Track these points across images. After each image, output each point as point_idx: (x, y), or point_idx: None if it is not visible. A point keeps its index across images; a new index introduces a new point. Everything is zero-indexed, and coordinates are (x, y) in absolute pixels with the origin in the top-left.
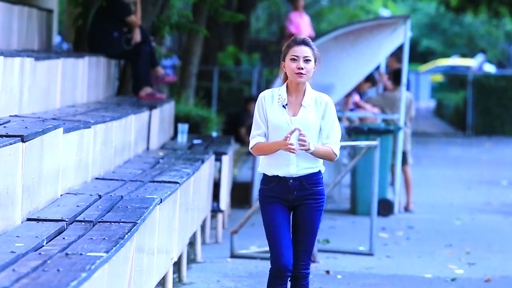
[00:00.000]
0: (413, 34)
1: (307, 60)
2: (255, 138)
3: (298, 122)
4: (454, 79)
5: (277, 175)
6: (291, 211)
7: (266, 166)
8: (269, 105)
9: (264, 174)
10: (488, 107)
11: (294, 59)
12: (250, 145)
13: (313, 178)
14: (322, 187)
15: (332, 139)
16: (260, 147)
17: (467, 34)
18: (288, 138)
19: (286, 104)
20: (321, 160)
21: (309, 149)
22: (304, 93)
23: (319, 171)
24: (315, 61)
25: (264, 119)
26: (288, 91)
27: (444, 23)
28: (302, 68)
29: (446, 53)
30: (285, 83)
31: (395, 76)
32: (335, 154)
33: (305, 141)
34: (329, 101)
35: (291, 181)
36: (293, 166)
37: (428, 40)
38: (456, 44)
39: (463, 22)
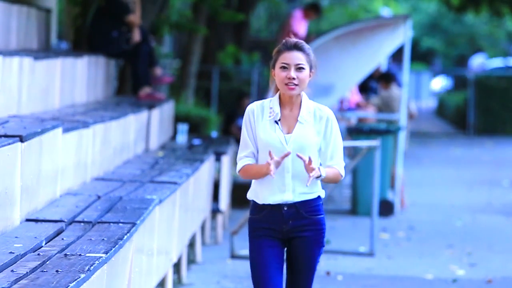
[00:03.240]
0: (414, 33)
1: (299, 68)
2: (242, 160)
3: (294, 141)
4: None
5: (269, 204)
6: (285, 245)
7: (256, 192)
8: (259, 120)
9: (253, 201)
10: (490, 107)
11: (284, 67)
12: (237, 168)
13: (312, 205)
14: (322, 216)
15: (337, 159)
16: (247, 170)
17: (469, 34)
18: (272, 158)
19: (279, 120)
20: (320, 185)
21: (320, 176)
22: (300, 105)
23: (319, 196)
24: (310, 69)
25: (253, 137)
26: (281, 103)
27: (445, 22)
28: (293, 78)
29: (447, 53)
30: (277, 94)
31: (384, 76)
32: (341, 175)
33: (314, 169)
34: (330, 115)
35: (285, 209)
36: (289, 193)
37: (429, 40)
38: (457, 44)
39: (465, 22)
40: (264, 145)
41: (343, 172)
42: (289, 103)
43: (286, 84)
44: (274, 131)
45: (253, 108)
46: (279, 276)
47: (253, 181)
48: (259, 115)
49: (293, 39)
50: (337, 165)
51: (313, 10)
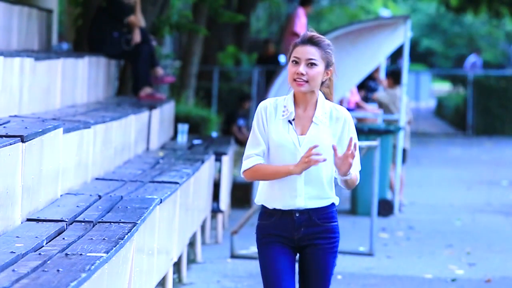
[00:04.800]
0: (413, 34)
1: (311, 64)
2: (252, 157)
3: (308, 143)
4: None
5: (280, 209)
6: (296, 254)
7: (266, 196)
8: (272, 119)
9: (262, 206)
10: (489, 107)
11: (295, 62)
12: (244, 167)
13: (325, 212)
14: (336, 223)
15: (353, 165)
16: (261, 170)
17: (468, 34)
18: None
19: (293, 119)
20: (334, 190)
21: (349, 173)
22: (316, 105)
23: (333, 203)
24: (327, 66)
25: (265, 134)
26: (296, 102)
27: (444, 23)
28: (302, 74)
29: (446, 53)
30: (292, 92)
31: (393, 75)
32: (357, 180)
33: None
34: (347, 116)
35: (297, 215)
36: (300, 198)
37: (428, 40)
38: (456, 44)
39: (464, 23)
40: (276, 146)
41: (358, 177)
42: (304, 102)
43: (295, 80)
44: (287, 132)
45: (266, 105)
46: (292, 284)
47: (261, 184)
48: (272, 113)
49: (311, 33)
50: (353, 170)
51: (308, 3)
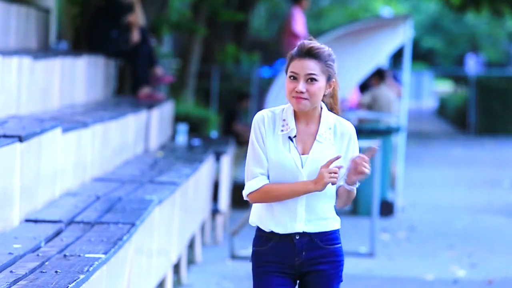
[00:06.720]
0: (414, 33)
1: (311, 79)
2: (258, 177)
3: (311, 163)
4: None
5: (277, 233)
6: (296, 282)
7: (262, 217)
8: (270, 133)
9: (258, 229)
10: (490, 107)
11: (293, 77)
12: (251, 188)
13: (328, 235)
14: (339, 245)
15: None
16: (273, 190)
17: (469, 33)
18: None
19: (295, 136)
20: (334, 212)
21: (356, 184)
22: (320, 119)
23: (336, 225)
24: (328, 79)
25: (265, 150)
26: (296, 116)
27: (446, 22)
28: (301, 92)
29: (448, 53)
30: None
31: (378, 73)
32: (354, 195)
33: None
34: (352, 132)
35: (297, 237)
36: (301, 223)
37: (430, 40)
38: (458, 44)
39: (465, 22)
40: (276, 165)
41: (355, 191)
42: (305, 117)
43: (294, 97)
44: (288, 151)
45: (263, 116)
46: None
47: (255, 205)
48: (269, 127)
49: (309, 43)
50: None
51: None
